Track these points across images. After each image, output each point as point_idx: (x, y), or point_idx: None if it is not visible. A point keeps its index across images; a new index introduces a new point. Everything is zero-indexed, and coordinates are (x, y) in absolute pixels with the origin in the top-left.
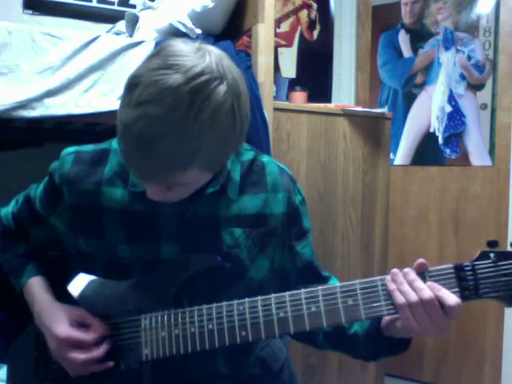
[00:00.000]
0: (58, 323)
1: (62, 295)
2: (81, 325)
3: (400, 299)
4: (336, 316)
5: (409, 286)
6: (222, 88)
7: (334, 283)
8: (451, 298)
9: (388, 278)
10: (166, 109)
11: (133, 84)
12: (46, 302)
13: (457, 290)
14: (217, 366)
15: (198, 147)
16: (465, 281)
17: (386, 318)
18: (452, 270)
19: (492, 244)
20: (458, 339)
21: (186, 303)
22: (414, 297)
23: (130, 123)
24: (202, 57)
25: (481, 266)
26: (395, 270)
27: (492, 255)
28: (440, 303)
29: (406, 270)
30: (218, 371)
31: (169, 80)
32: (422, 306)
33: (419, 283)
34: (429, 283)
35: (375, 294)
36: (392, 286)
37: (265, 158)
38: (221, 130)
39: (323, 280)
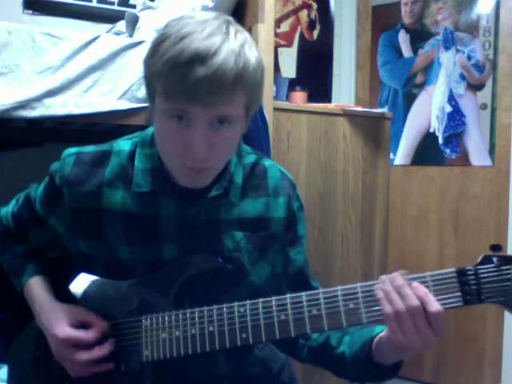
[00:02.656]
0: (58, 323)
1: (62, 295)
2: (81, 324)
3: (387, 308)
4: (337, 319)
5: (396, 294)
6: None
7: None
8: (434, 304)
9: (377, 285)
10: (207, 33)
11: (162, 35)
12: (46, 302)
13: (459, 294)
14: (217, 367)
15: (243, 69)
16: (467, 285)
17: (375, 340)
18: (454, 275)
19: (495, 248)
20: (457, 339)
21: (187, 304)
22: (400, 305)
23: (179, 52)
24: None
25: (484, 271)
26: (383, 277)
27: (495, 259)
28: (424, 310)
29: (394, 275)
30: (218, 371)
31: (196, 20)
32: (407, 313)
33: (407, 290)
34: (415, 284)
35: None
36: (380, 295)
37: (267, 162)
38: (255, 62)
39: (311, 290)
